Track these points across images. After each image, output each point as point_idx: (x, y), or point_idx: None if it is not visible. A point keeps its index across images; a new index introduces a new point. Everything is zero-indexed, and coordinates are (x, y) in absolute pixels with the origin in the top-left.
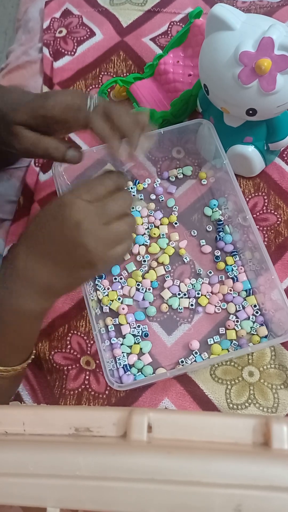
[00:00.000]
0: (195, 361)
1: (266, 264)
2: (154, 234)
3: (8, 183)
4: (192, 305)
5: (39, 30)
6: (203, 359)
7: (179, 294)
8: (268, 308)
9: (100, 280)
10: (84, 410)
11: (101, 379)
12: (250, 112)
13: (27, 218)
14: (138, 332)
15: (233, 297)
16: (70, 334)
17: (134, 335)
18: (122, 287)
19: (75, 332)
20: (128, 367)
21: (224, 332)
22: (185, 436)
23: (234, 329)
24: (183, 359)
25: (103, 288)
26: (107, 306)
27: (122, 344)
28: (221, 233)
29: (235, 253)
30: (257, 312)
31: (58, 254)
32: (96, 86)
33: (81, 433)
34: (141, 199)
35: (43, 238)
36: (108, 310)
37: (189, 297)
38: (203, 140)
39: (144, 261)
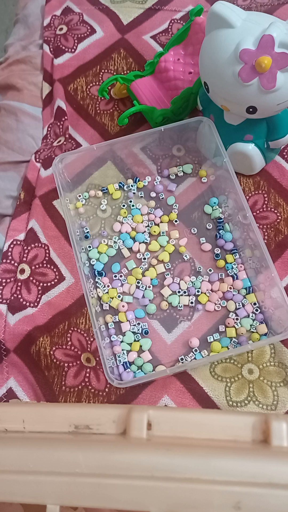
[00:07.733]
0: (194, 358)
1: (266, 262)
2: (154, 232)
3: (8, 178)
4: (192, 302)
5: (40, 27)
6: (202, 357)
7: (179, 292)
8: (268, 306)
9: (100, 278)
10: (83, 407)
11: (101, 376)
12: (250, 110)
13: (28, 213)
14: (138, 330)
15: (233, 295)
16: (70, 331)
17: (134, 333)
18: (122, 285)
19: (75, 329)
20: (128, 364)
21: (223, 329)
22: (184, 434)
23: (233, 326)
24: (182, 356)
25: (103, 286)
26: (107, 303)
27: (122, 341)
28: (221, 231)
29: (235, 251)
30: (256, 310)
31: None
32: (97, 83)
33: (81, 430)
34: (141, 197)
35: None
36: (108, 308)
37: (189, 295)
38: (203, 138)
39: (144, 258)
